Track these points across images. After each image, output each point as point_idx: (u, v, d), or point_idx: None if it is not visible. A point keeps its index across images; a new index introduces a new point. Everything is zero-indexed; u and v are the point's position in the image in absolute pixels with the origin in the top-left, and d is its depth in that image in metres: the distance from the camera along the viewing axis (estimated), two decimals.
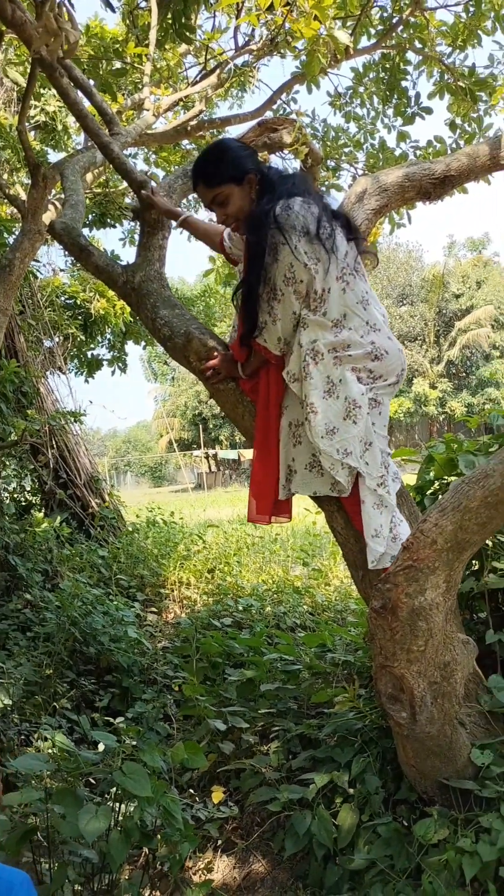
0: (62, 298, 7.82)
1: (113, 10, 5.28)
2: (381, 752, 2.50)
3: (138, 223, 3.22)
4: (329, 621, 4.63)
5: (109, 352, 8.61)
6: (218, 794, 2.72)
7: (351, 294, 2.25)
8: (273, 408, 2.41)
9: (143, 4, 5.63)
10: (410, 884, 2.03)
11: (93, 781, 2.58)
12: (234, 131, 6.62)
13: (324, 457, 2.23)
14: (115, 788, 2.16)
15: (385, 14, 6.05)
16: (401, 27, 5.83)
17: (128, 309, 7.79)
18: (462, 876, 1.91)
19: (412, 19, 5.75)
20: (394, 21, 5.88)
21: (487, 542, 2.51)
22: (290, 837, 2.42)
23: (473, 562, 2.62)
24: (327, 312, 2.24)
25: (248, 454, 35.96)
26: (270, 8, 3.91)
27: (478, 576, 2.57)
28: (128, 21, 5.70)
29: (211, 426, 40.01)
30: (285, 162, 5.44)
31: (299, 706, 3.18)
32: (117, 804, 2.16)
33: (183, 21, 5.05)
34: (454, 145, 6.15)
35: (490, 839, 1.92)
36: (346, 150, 6.89)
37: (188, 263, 55.46)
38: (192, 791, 2.83)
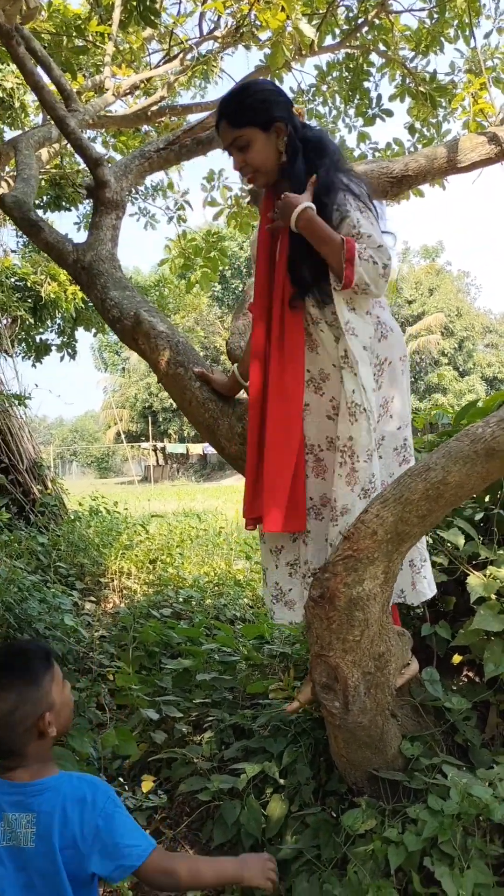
0: (12, 280, 7.66)
1: None
2: (313, 743, 2.50)
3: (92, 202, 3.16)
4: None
5: (59, 337, 8.47)
6: (147, 783, 2.69)
7: None
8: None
9: None
10: (336, 873, 2.03)
11: None
12: (195, 119, 6.57)
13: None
14: None
15: (351, 14, 6.09)
16: (366, 28, 5.87)
17: (80, 294, 7.68)
18: (387, 865, 1.92)
19: (377, 21, 5.79)
20: (359, 22, 5.92)
21: (427, 538, 2.54)
22: (219, 827, 2.41)
23: None
24: None
25: (195, 448, 35.86)
26: None
27: None
28: (91, 0, 5.61)
29: (160, 419, 39.80)
30: None
31: (234, 697, 3.17)
32: None
33: (148, 4, 4.99)
34: (412, 149, 6.23)
35: (416, 830, 1.94)
36: None
37: (143, 253, 55.06)
38: (121, 780, 2.79)
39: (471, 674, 2.52)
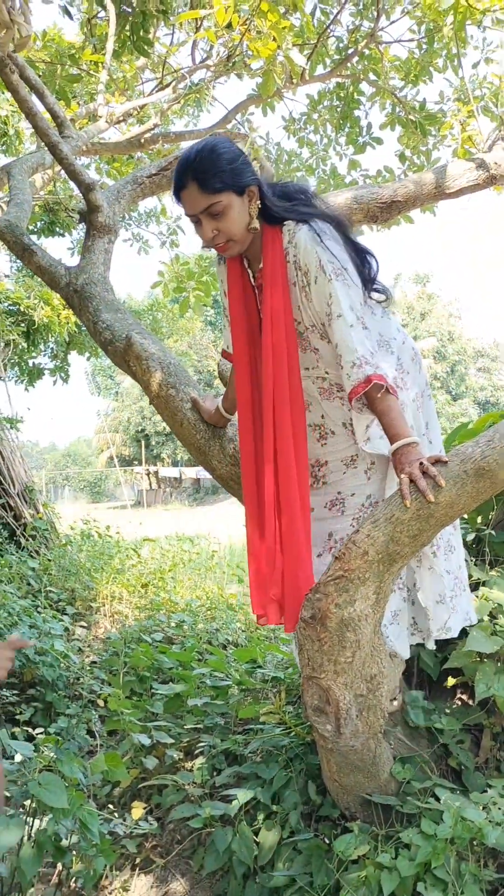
0: (5, 304, 7.69)
1: (71, 17, 5.28)
2: (305, 768, 2.48)
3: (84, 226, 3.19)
4: (261, 638, 4.60)
5: (52, 361, 8.49)
6: (138, 810, 2.65)
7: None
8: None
9: (101, 15, 5.63)
10: None
11: (7, 794, 2.48)
12: (187, 146, 6.65)
13: None
14: (30, 801, 2.08)
15: (341, 45, 6.20)
16: (356, 58, 5.98)
17: (73, 318, 7.70)
18: (380, 892, 1.89)
19: (367, 52, 5.90)
20: (349, 52, 6.03)
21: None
22: (210, 855, 2.37)
23: None
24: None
25: (189, 472, 35.77)
26: (229, 26, 3.95)
27: None
28: (86, 29, 5.70)
29: (154, 443, 39.75)
30: None
31: (226, 722, 3.14)
32: (31, 818, 2.08)
33: (141, 34, 5.07)
34: (403, 176, 6.32)
35: (409, 855, 1.91)
36: (299, 174, 7.01)
37: (136, 279, 55.28)
38: (111, 806, 2.75)
39: (464, 696, 2.50)
